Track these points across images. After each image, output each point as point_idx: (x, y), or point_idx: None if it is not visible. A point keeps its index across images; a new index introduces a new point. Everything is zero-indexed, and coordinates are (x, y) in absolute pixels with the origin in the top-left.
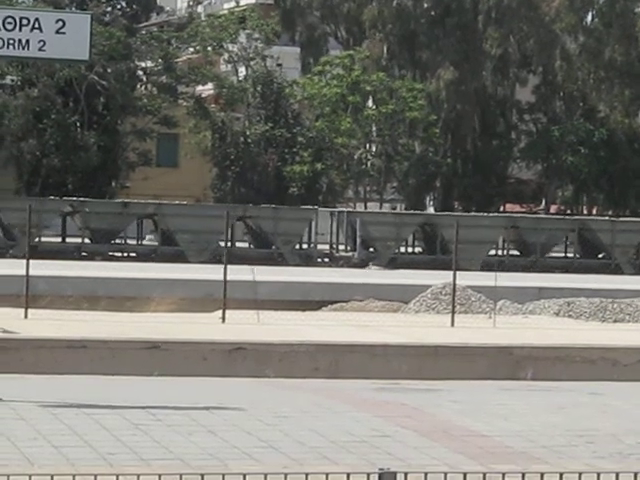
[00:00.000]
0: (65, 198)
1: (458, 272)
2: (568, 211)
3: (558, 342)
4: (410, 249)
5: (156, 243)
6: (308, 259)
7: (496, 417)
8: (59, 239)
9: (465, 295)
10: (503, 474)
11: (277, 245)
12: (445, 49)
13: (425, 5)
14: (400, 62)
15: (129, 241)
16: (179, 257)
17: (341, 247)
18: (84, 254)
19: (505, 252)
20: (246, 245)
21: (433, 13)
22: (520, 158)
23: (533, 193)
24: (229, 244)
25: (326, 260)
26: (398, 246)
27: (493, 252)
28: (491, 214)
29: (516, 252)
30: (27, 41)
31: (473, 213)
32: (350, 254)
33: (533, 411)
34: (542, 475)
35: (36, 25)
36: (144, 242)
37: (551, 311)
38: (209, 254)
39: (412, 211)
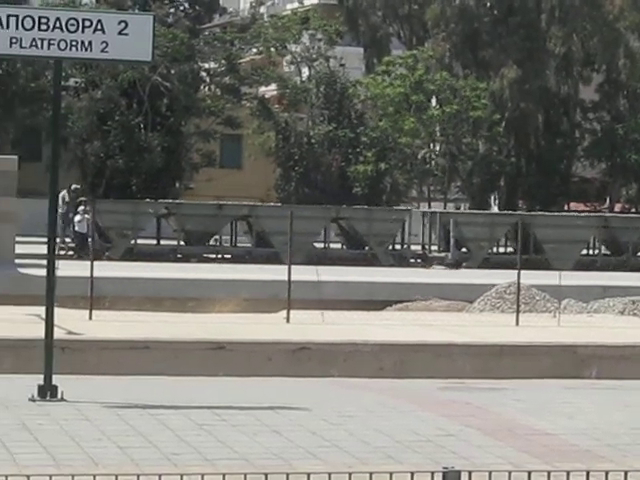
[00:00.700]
0: (160, 200)
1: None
2: (633, 210)
3: (623, 341)
4: (502, 249)
5: (249, 245)
6: (401, 260)
7: (560, 415)
8: (155, 241)
9: (529, 294)
10: (568, 472)
11: (370, 246)
12: (508, 48)
13: (488, 4)
14: (463, 61)
15: (224, 243)
16: (273, 258)
17: (434, 248)
18: (179, 256)
19: (597, 251)
20: (339, 246)
21: (496, 12)
22: (584, 157)
23: (597, 192)
24: (323, 245)
25: (419, 261)
26: (491, 246)
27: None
28: (583, 214)
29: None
30: (90, 43)
31: (565, 213)
32: (443, 255)
33: (597, 409)
34: (607, 473)
35: (99, 27)
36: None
37: (616, 310)
38: (303, 255)
39: (505, 211)
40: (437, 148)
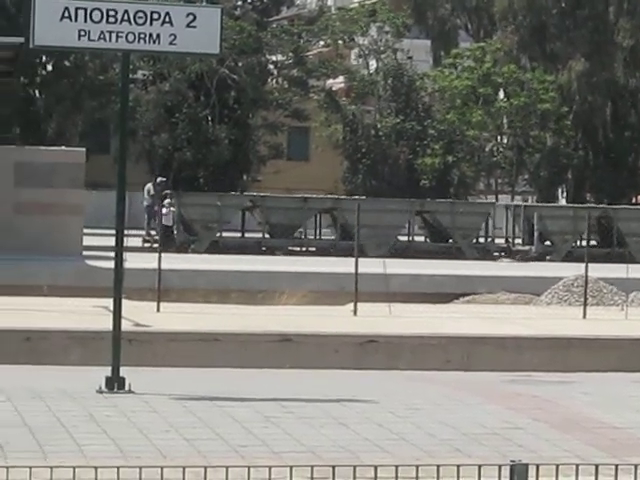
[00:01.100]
0: (245, 193)
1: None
2: None
3: None
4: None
5: (333, 237)
6: (486, 253)
7: (628, 409)
8: (239, 234)
9: (597, 287)
10: (635, 466)
11: (455, 239)
12: (576, 40)
13: None
14: (531, 54)
15: (308, 236)
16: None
17: (517, 241)
18: (264, 249)
19: None
20: (423, 239)
21: (564, 4)
22: None
23: None
24: (407, 238)
25: (503, 254)
26: (575, 240)
27: None
28: None
29: None
30: (158, 35)
31: None
32: (527, 248)
33: None
34: None
35: (167, 19)
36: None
37: None
38: (388, 248)
39: (589, 204)
40: (504, 141)
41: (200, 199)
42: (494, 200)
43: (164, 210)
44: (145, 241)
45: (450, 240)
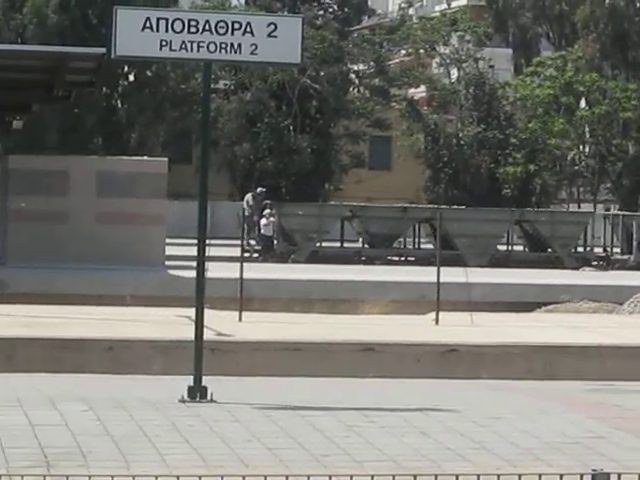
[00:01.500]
0: (345, 203)
1: None
2: None
3: None
4: None
5: (432, 247)
6: (585, 262)
7: None
8: (338, 244)
9: None
10: None
11: (554, 248)
12: None
13: (638, 5)
14: (613, 62)
15: (407, 245)
16: (458, 261)
17: (616, 250)
18: (363, 259)
19: None
20: (522, 248)
21: None
22: None
23: None
24: (506, 247)
25: (602, 263)
26: None
27: None
28: None
29: None
30: (239, 45)
31: None
32: (626, 257)
33: None
34: None
35: (248, 29)
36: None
37: None
38: (488, 258)
39: None
40: (586, 149)
41: (300, 209)
42: (592, 209)
43: (264, 221)
44: (245, 251)
45: (549, 249)
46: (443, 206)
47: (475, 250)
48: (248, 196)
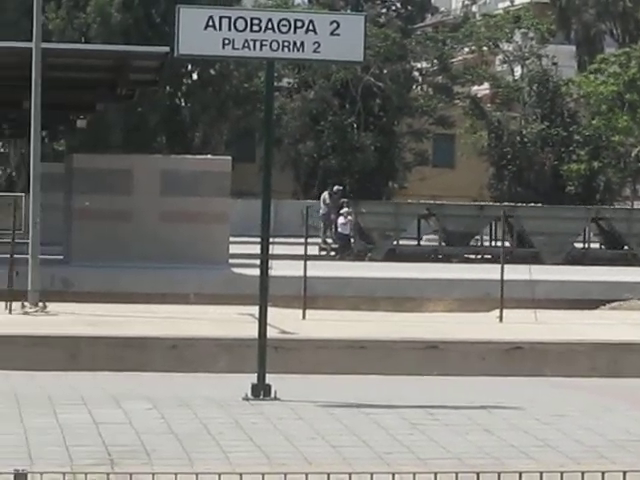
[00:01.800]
0: (422, 201)
1: None
2: None
3: None
4: None
5: (509, 245)
6: None
7: None
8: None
9: None
10: None
11: (630, 246)
12: None
13: None
14: None
15: (484, 243)
16: (534, 259)
17: None
18: (440, 257)
19: None
20: (598, 246)
21: None
22: None
23: None
24: (583, 245)
25: None
26: None
27: None
28: None
29: None
30: (302, 43)
31: None
32: None
33: None
34: None
35: (311, 27)
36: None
37: None
38: (564, 255)
39: None
40: None
41: (377, 207)
42: None
43: (341, 219)
44: (321, 249)
45: (625, 247)
46: (520, 204)
47: (551, 248)
48: (325, 194)
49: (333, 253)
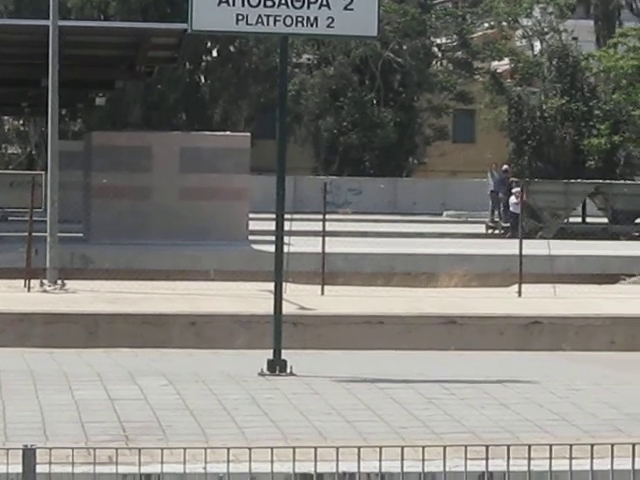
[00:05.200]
0: (590, 181)
1: None
2: None
3: None
4: None
5: None
6: None
7: None
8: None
9: None
10: None
11: None
12: None
13: None
14: None
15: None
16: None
17: None
18: (609, 235)
19: None
20: None
21: None
22: None
23: None
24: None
25: None
26: None
27: None
28: None
29: None
30: (315, 18)
31: None
32: None
33: None
34: None
35: (324, 2)
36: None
37: None
38: None
39: None
40: None
41: (547, 187)
42: None
43: (512, 199)
44: (489, 227)
45: None
46: None
47: None
48: (493, 171)
49: (502, 232)
